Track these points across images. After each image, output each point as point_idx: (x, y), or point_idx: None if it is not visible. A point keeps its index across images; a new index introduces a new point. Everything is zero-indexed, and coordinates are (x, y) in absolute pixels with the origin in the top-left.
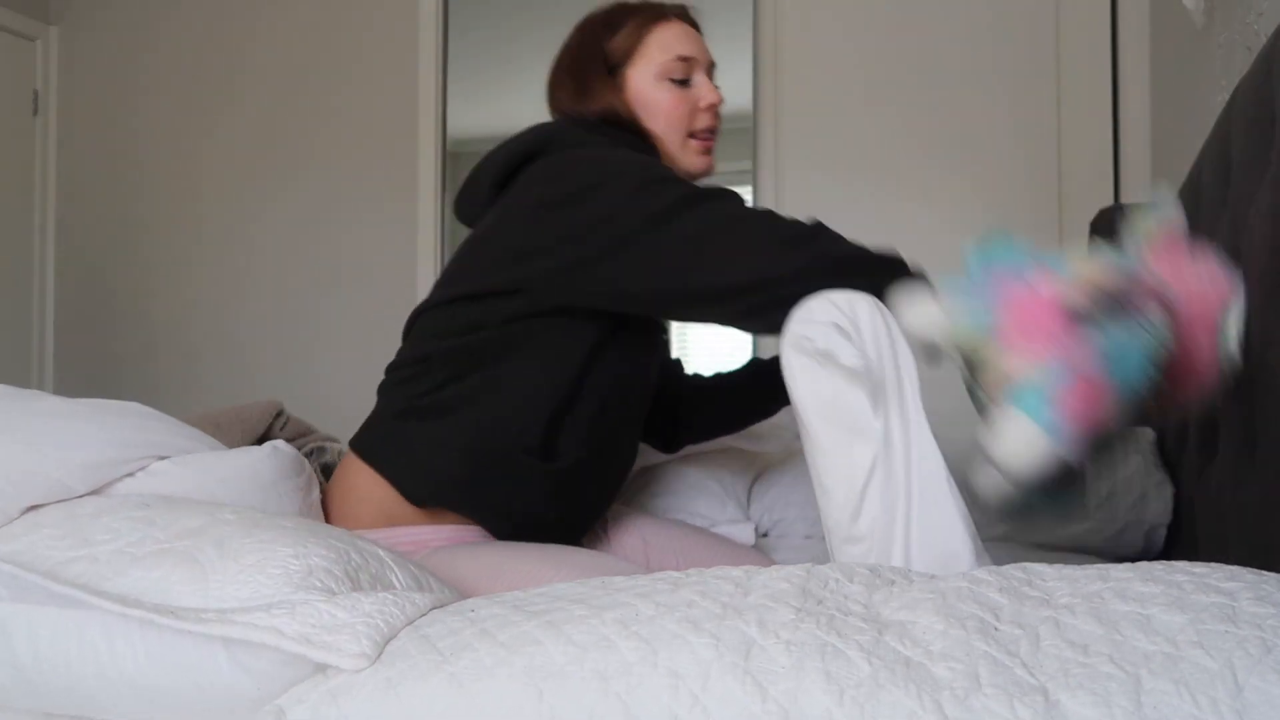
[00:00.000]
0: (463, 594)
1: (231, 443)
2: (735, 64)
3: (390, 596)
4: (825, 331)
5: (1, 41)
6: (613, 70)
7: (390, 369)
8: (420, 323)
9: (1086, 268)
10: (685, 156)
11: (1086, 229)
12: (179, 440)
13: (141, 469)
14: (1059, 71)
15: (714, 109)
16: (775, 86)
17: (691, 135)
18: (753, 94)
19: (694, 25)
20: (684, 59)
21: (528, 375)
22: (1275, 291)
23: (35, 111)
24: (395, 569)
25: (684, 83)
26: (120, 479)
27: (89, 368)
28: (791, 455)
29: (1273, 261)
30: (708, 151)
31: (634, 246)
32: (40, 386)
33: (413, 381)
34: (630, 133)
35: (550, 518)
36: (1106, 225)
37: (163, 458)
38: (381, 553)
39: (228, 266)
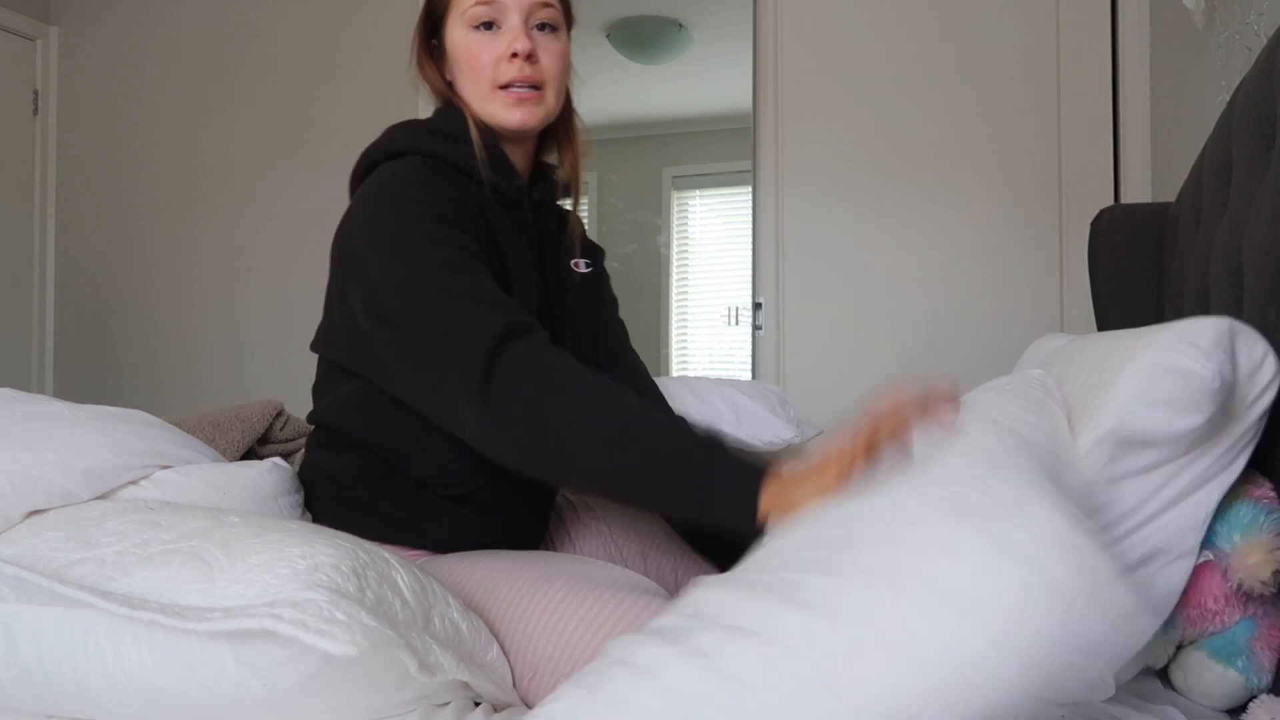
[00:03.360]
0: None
1: (231, 442)
2: (735, 64)
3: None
4: None
5: (1, 41)
6: (436, 32)
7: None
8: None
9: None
10: (492, 109)
11: (1087, 229)
12: (181, 450)
13: (144, 477)
14: (1059, 71)
15: (517, 59)
16: (775, 86)
17: (501, 88)
18: (753, 94)
19: None
20: (484, 2)
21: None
22: (1276, 290)
23: (35, 111)
24: (400, 570)
25: (490, 27)
26: (123, 486)
27: (89, 367)
28: (785, 455)
29: (1273, 261)
30: (520, 104)
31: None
32: (40, 386)
33: (327, 406)
34: (447, 114)
35: (489, 538)
36: (1107, 225)
37: (165, 467)
38: (387, 554)
39: (228, 266)
